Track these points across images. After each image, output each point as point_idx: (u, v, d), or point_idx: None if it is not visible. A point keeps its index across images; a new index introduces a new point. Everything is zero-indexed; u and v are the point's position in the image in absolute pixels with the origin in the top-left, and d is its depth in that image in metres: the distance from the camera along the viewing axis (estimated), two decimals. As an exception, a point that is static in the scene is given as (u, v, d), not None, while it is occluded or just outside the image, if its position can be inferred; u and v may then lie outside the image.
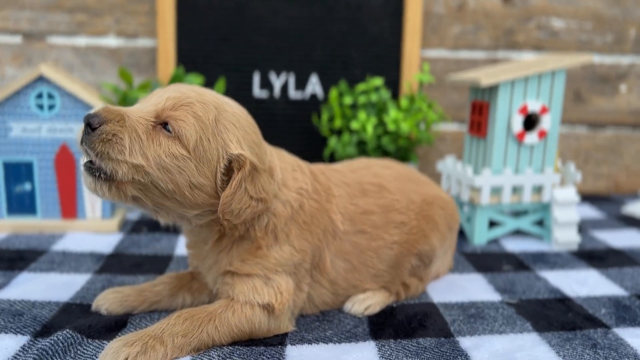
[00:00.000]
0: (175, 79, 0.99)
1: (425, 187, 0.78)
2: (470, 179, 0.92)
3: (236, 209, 0.57)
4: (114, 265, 0.82)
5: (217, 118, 0.58)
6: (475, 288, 0.77)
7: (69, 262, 0.82)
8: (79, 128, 0.94)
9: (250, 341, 0.61)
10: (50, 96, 0.93)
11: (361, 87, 1.05)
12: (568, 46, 1.31)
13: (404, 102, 1.04)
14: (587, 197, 1.31)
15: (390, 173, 0.76)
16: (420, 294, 0.75)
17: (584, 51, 1.31)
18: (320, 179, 0.69)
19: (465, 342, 0.62)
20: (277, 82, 1.22)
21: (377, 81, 1.05)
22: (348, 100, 1.04)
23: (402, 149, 1.07)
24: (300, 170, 0.67)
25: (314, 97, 1.22)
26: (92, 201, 0.97)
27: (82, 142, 0.55)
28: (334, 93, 1.08)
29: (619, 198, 1.32)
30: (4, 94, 0.92)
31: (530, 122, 0.95)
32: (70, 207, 0.97)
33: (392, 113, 1.01)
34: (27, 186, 0.96)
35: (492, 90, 0.92)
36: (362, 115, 1.02)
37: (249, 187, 0.58)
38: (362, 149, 1.07)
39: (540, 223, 1.00)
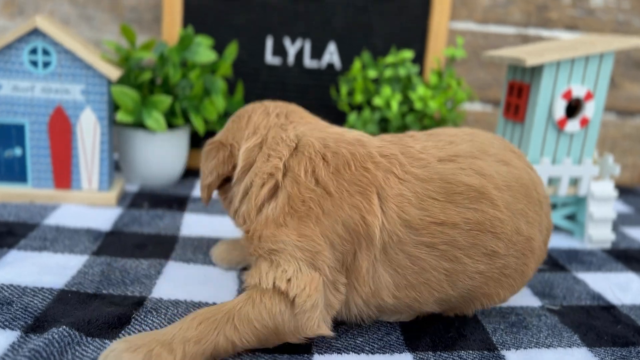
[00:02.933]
0: (184, 41, 0.90)
1: (539, 216, 0.58)
2: (504, 167, 0.84)
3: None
4: (114, 245, 0.74)
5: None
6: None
7: (63, 239, 0.74)
8: (77, 89, 0.85)
9: (274, 349, 0.53)
10: (45, 52, 0.84)
11: (389, 59, 0.96)
12: (604, 27, 1.23)
13: (432, 78, 0.95)
14: (610, 188, 1.25)
15: (506, 175, 0.56)
16: None
17: (620, 33, 1.23)
18: (349, 168, 0.55)
19: (512, 357, 0.55)
20: (291, 48, 1.13)
21: (407, 54, 0.96)
22: (372, 73, 0.95)
23: (426, 129, 0.99)
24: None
25: (330, 67, 1.13)
26: (88, 171, 0.89)
27: None
28: (357, 64, 0.99)
29: (643, 191, 1.26)
30: (-8, 47, 0.82)
31: (571, 108, 0.87)
32: (64, 176, 0.88)
33: (420, 90, 0.93)
34: (17, 151, 0.87)
35: (535, 71, 0.84)
36: (386, 90, 0.93)
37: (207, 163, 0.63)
38: (384, 127, 0.99)
39: (570, 217, 0.93)
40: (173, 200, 0.93)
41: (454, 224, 0.53)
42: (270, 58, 1.13)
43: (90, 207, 0.87)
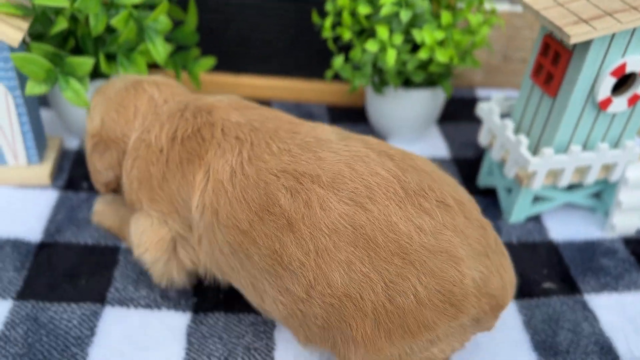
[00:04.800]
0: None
1: (388, 272, 0.45)
2: (524, 158, 0.67)
3: (92, 181, 0.64)
4: (43, 275, 0.62)
5: (96, 101, 0.64)
6: (507, 340, 0.60)
7: (-17, 267, 0.62)
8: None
9: None
10: None
11: None
12: None
13: (445, 16, 0.71)
14: None
15: (341, 216, 0.46)
16: None
17: None
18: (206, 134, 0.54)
19: None
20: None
21: None
22: (364, 9, 0.71)
23: (433, 76, 0.78)
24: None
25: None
26: (10, 147, 0.72)
27: None
28: None
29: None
30: None
31: (620, 82, 0.66)
32: (-18, 152, 0.73)
33: (427, 36, 0.70)
34: None
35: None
36: (382, 31, 0.70)
37: (96, 160, 0.61)
38: (381, 77, 0.78)
39: (595, 194, 0.78)
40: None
41: (254, 241, 0.48)
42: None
43: (18, 189, 0.74)
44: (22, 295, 0.60)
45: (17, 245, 0.66)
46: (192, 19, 0.80)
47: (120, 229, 0.67)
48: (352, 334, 0.46)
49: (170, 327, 0.59)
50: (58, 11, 0.69)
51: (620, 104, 0.65)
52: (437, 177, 0.49)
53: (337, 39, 0.88)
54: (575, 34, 0.58)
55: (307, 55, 0.89)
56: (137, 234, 0.57)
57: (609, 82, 0.63)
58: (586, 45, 0.61)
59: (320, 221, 0.45)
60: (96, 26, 0.67)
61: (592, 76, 0.62)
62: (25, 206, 0.71)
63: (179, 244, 0.57)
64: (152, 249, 0.56)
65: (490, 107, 0.74)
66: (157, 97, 0.61)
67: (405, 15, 0.68)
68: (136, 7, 0.74)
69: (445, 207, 0.46)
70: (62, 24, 0.67)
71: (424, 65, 0.76)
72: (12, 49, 0.66)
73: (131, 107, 0.61)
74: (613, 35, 0.60)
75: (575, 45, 0.62)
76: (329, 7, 0.76)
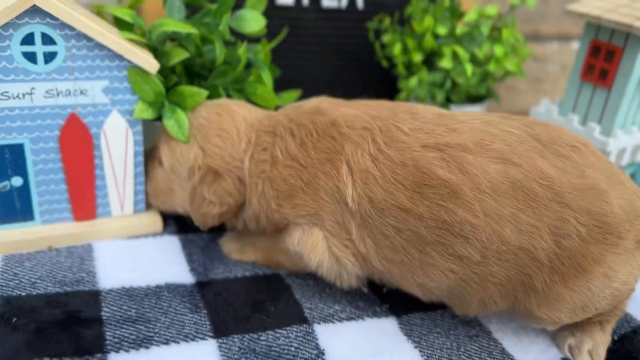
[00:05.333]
0: (225, 3, 0.65)
1: (549, 218, 0.48)
2: (600, 141, 0.79)
3: (197, 214, 0.61)
4: (225, 311, 0.57)
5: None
6: None
7: (157, 318, 0.55)
8: (97, 87, 0.59)
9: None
10: (47, 39, 0.56)
11: (471, 16, 0.80)
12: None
13: (506, 32, 0.83)
14: None
15: (497, 175, 0.49)
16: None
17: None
18: (320, 145, 0.55)
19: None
20: (303, -17, 0.91)
21: (492, 10, 0.80)
22: (443, 30, 0.80)
23: (488, 89, 0.89)
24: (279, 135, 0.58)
25: (352, 5, 0.94)
26: (120, 192, 0.66)
27: None
28: (428, 19, 0.81)
29: None
30: (-38, 37, 0.52)
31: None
32: (86, 204, 0.65)
33: (497, 49, 0.81)
34: (15, 181, 0.61)
35: (630, 35, 0.77)
36: (459, 50, 0.80)
37: (205, 191, 0.59)
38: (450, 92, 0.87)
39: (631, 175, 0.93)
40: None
41: (420, 215, 0.50)
42: (278, -4, 0.90)
43: (133, 241, 0.66)
44: (220, 332, 0.54)
45: (173, 289, 0.59)
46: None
47: (269, 259, 0.64)
48: (532, 284, 0.50)
49: (386, 331, 0.57)
50: (176, 39, 0.67)
51: (656, 89, 0.81)
52: (555, 128, 0.55)
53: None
54: (644, 29, 0.72)
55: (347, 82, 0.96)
56: (294, 246, 0.57)
57: (654, 70, 0.79)
58: (636, 40, 0.76)
59: (481, 183, 0.48)
60: (220, 56, 0.66)
61: (645, 64, 0.78)
62: (153, 254, 0.65)
63: (331, 244, 0.56)
64: (311, 253, 0.56)
65: (548, 107, 0.87)
66: (248, 116, 0.62)
67: (484, 29, 0.78)
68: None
69: (576, 150, 0.52)
70: (182, 54, 0.65)
71: (484, 78, 0.86)
72: (150, 79, 0.62)
73: (233, 130, 0.61)
74: (660, 31, 0.76)
75: (627, 42, 0.77)
76: (389, 33, 0.83)
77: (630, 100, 0.80)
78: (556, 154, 0.51)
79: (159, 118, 0.64)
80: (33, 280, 0.58)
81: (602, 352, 0.55)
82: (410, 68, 0.85)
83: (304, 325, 0.57)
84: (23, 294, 0.56)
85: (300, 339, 0.55)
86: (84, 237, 0.65)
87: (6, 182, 0.60)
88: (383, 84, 0.97)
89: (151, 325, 0.54)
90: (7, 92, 0.56)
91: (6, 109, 0.57)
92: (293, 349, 0.54)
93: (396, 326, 0.58)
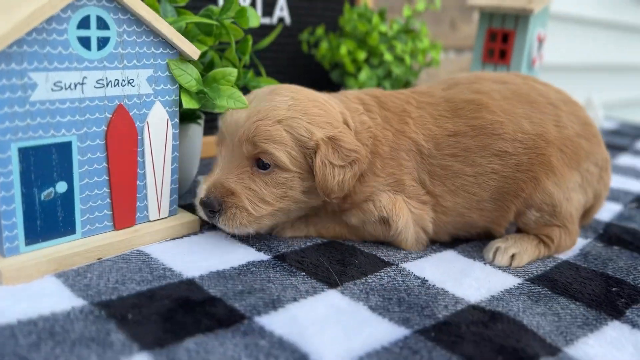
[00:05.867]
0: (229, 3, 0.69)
1: (550, 115, 0.66)
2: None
3: (333, 185, 0.60)
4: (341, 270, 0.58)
5: (288, 123, 0.60)
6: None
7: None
8: (143, 77, 0.57)
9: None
10: (101, 23, 0.53)
11: (406, 12, 0.93)
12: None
13: (424, 28, 0.99)
14: None
15: (501, 89, 0.67)
16: (571, 246, 0.68)
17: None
18: (389, 105, 0.67)
19: None
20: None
21: (421, 5, 0.95)
22: (384, 28, 0.93)
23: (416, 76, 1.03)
24: (363, 104, 0.67)
25: (281, 22, 1.01)
26: (157, 194, 0.62)
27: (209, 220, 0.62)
28: (375, 19, 0.92)
29: None
30: (19, 22, 0.47)
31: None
32: (127, 210, 0.60)
33: (426, 42, 0.96)
34: (60, 187, 0.54)
35: (520, 19, 0.98)
36: (398, 45, 0.93)
37: (333, 160, 0.60)
38: (392, 83, 0.98)
39: None
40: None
41: (463, 132, 0.65)
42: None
43: (180, 240, 0.63)
44: (332, 284, 0.56)
45: (257, 265, 0.59)
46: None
47: (324, 230, 0.67)
48: (549, 161, 0.64)
49: (451, 257, 0.65)
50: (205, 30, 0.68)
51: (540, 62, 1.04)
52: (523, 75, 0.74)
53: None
54: (536, 6, 0.94)
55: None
56: (383, 210, 0.64)
57: (536, 45, 1.01)
58: (525, 23, 0.98)
59: (493, 95, 0.66)
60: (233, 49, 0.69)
61: (530, 42, 1.00)
62: (210, 246, 0.62)
63: (410, 207, 0.64)
64: (399, 213, 0.63)
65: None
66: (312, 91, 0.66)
67: (419, 25, 0.93)
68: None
69: (546, 84, 0.72)
70: (201, 47, 0.66)
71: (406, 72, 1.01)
72: (191, 65, 0.61)
73: (319, 98, 0.64)
74: (537, 13, 0.99)
75: (516, 26, 0.99)
76: (333, 39, 0.94)
77: (526, 71, 1.01)
78: (535, 82, 0.70)
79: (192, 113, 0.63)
80: (111, 287, 0.52)
81: (524, 260, 0.64)
82: (356, 65, 0.96)
83: (392, 267, 0.61)
84: (113, 297, 0.50)
85: (400, 275, 0.59)
86: (130, 244, 0.60)
87: (51, 189, 0.54)
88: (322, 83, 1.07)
89: (269, 292, 0.53)
90: (59, 81, 0.51)
91: (57, 102, 0.52)
92: (400, 282, 0.58)
93: (456, 254, 0.66)
